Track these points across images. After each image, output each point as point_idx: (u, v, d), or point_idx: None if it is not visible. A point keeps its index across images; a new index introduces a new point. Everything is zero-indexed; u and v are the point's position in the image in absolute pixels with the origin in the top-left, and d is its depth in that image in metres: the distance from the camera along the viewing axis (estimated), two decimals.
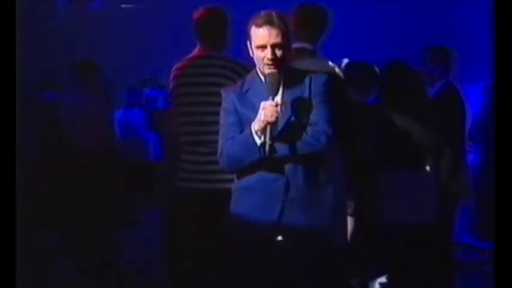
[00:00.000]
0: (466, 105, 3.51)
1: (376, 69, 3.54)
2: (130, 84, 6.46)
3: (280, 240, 2.20)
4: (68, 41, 6.34)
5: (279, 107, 2.08)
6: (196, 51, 3.02)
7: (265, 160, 2.14)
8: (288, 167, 2.17)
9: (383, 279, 3.33)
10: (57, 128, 4.06)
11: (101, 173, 3.99)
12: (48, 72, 4.93)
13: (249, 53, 2.25)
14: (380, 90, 3.18)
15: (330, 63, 2.77)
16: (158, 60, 4.39)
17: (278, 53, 2.15)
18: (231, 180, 2.35)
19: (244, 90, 2.27)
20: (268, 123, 2.08)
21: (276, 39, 2.13)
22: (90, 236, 4.02)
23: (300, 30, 2.76)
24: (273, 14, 2.16)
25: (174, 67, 3.05)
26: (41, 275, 3.98)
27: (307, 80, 2.22)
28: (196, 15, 3.02)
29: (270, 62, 2.15)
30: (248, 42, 2.23)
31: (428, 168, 2.98)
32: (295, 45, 2.76)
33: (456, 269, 3.59)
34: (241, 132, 2.21)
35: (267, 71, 2.18)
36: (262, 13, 2.18)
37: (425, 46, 3.67)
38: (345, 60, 3.90)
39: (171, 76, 3.05)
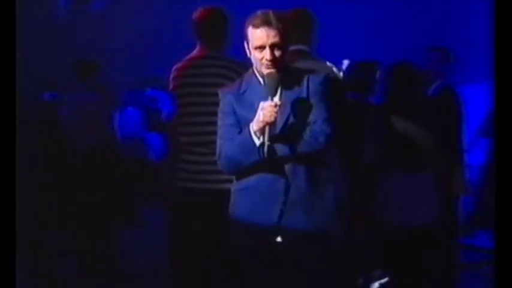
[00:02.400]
0: (463, 105, 3.51)
1: (378, 69, 3.54)
2: (130, 84, 6.46)
3: (280, 242, 2.19)
4: (68, 41, 6.33)
5: (277, 108, 2.06)
6: (196, 51, 3.02)
7: (265, 161, 2.12)
8: (287, 167, 2.16)
9: (383, 280, 3.33)
10: (57, 128, 4.06)
11: (101, 173, 3.99)
12: (48, 72, 4.93)
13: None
14: (382, 90, 3.17)
15: (328, 63, 2.77)
16: (158, 60, 4.38)
17: (277, 53, 2.13)
18: (232, 181, 2.34)
19: (241, 90, 2.25)
20: (266, 123, 2.06)
21: (274, 40, 2.11)
22: (91, 235, 4.02)
23: (292, 32, 2.77)
24: (270, 13, 2.13)
25: (174, 67, 3.04)
26: (41, 275, 3.98)
27: (305, 80, 2.21)
28: (195, 15, 3.01)
29: (269, 63, 2.13)
30: (245, 43, 2.21)
31: (429, 168, 2.98)
32: (290, 47, 2.77)
33: (457, 270, 3.59)
34: (239, 133, 2.20)
35: (265, 71, 2.16)
36: (259, 13, 2.15)
37: (424, 46, 3.67)
38: (346, 62, 3.90)
39: (171, 76, 3.04)
